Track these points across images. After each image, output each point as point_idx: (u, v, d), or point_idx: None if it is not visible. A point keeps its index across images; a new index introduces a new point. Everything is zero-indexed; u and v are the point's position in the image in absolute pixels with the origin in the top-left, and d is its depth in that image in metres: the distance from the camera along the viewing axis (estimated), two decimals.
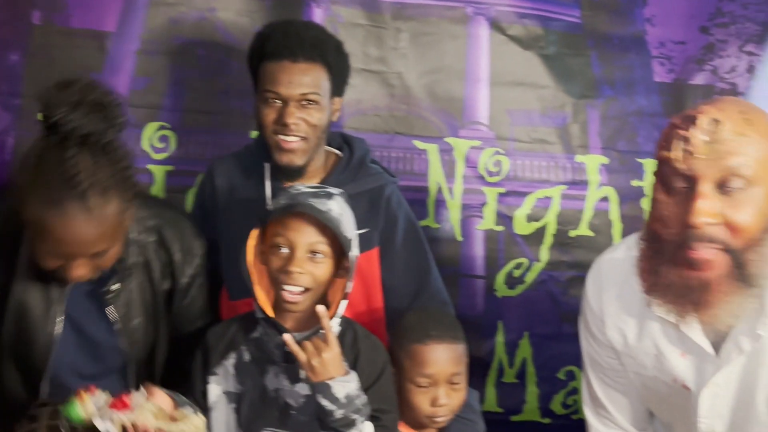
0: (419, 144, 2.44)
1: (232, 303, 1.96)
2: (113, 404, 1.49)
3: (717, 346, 1.53)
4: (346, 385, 1.54)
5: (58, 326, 1.71)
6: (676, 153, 1.39)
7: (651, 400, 1.71)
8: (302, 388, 1.64)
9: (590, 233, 2.50)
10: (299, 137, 1.90)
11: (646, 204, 2.43)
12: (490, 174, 2.47)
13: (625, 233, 2.43)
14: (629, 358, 1.65)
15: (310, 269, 1.59)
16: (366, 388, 1.61)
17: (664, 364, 1.60)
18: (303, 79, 1.88)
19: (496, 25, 2.45)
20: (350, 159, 2.04)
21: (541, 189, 2.49)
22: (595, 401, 1.79)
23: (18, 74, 2.27)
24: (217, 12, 2.34)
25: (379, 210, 2.01)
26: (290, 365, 1.64)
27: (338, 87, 1.99)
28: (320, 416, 1.56)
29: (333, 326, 1.62)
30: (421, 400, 1.81)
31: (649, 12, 2.50)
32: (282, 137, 1.89)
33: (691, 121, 1.39)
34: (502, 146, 2.47)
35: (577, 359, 1.83)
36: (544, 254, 2.51)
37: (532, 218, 2.49)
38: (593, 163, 2.50)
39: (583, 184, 2.50)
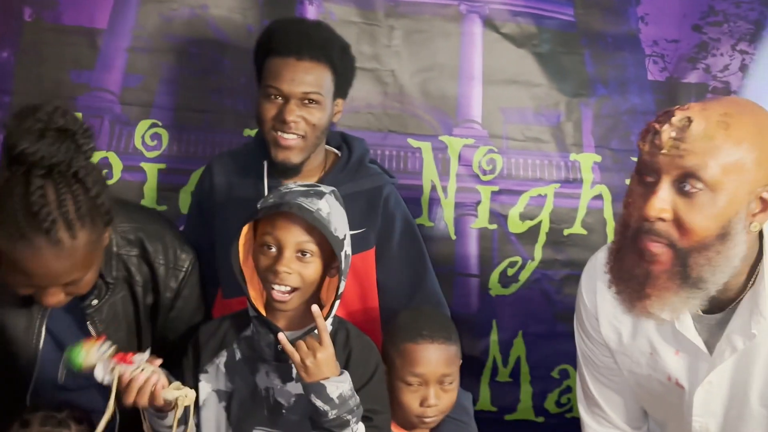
0: (413, 142, 2.44)
1: (225, 301, 1.95)
2: (118, 357, 1.51)
3: (711, 344, 1.53)
4: (339, 385, 1.53)
5: (41, 342, 1.69)
6: (646, 145, 1.41)
7: (645, 398, 1.71)
8: (293, 388, 1.63)
9: (584, 231, 2.51)
10: (297, 135, 1.89)
11: None
12: (484, 172, 2.47)
13: None
14: (624, 356, 1.65)
15: (298, 269, 1.58)
16: (358, 388, 1.60)
17: (658, 362, 1.60)
18: (306, 78, 1.88)
19: (489, 23, 2.45)
20: (349, 159, 2.03)
21: (534, 187, 2.49)
22: (589, 399, 1.79)
23: (9, 72, 2.26)
24: (209, 9, 2.33)
25: (377, 210, 2.01)
26: (281, 364, 1.63)
27: (342, 89, 1.98)
28: (313, 417, 1.55)
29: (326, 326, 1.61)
30: (411, 399, 1.81)
31: (642, 10, 2.50)
32: (280, 134, 1.89)
33: (669, 116, 1.40)
34: (496, 144, 2.47)
35: (571, 358, 1.83)
36: (538, 253, 2.51)
37: (525, 217, 2.49)
38: (587, 161, 2.50)
39: (576, 182, 2.50)
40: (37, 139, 1.40)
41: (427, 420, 1.83)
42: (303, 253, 1.58)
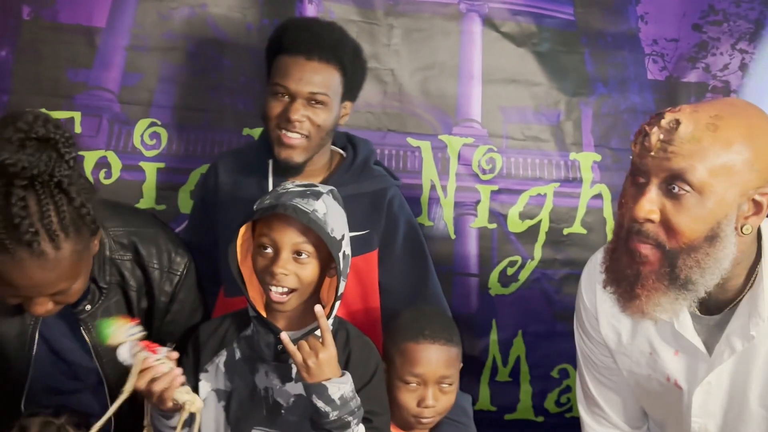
0: (412, 141, 2.44)
1: (228, 300, 1.94)
2: (144, 343, 1.51)
3: (710, 345, 1.53)
4: (341, 386, 1.52)
5: (34, 348, 1.67)
6: (636, 146, 1.42)
7: (644, 398, 1.71)
8: (293, 388, 1.63)
9: (584, 231, 2.50)
10: (301, 135, 1.88)
11: None
12: (484, 171, 2.47)
13: None
14: (623, 356, 1.65)
15: (295, 270, 1.57)
16: (358, 389, 1.59)
17: (657, 362, 1.60)
18: (314, 78, 1.87)
19: (489, 22, 2.45)
20: (354, 160, 2.03)
21: (534, 186, 2.49)
22: (589, 399, 1.79)
23: (7, 70, 2.25)
24: (209, 7, 2.32)
25: (380, 212, 2.00)
26: (281, 364, 1.63)
27: (351, 91, 1.98)
28: (314, 418, 1.54)
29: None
30: (408, 399, 1.80)
31: (642, 10, 2.50)
32: (284, 132, 1.88)
33: (659, 117, 1.41)
34: (496, 144, 2.47)
35: (570, 357, 1.83)
36: (538, 252, 2.51)
37: (525, 216, 2.49)
38: (586, 160, 2.50)
39: (576, 181, 2.50)
40: (17, 149, 1.36)
41: (424, 421, 1.82)
42: (299, 254, 1.58)
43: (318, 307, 1.55)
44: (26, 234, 1.35)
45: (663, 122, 1.39)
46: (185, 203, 2.35)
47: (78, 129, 2.27)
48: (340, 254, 1.59)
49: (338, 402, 1.51)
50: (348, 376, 1.56)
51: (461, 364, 1.88)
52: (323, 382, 1.51)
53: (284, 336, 1.54)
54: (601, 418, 1.78)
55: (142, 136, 2.31)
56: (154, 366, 1.49)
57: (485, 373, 2.54)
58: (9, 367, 1.69)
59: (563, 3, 2.47)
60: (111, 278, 1.68)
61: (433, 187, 2.44)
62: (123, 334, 1.52)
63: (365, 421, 1.60)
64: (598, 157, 2.50)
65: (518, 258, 2.49)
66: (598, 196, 2.50)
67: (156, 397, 1.50)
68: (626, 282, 1.45)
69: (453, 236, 2.47)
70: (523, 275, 2.51)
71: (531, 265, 2.50)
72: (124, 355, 1.51)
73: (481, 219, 2.48)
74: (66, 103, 2.26)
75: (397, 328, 1.85)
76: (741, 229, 1.39)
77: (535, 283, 2.51)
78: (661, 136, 1.38)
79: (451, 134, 2.45)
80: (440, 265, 2.30)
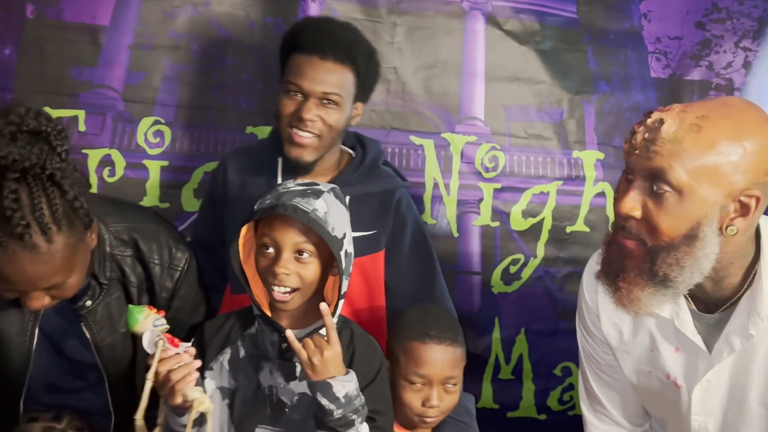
0: (415, 139, 2.44)
1: (234, 296, 1.94)
2: (167, 336, 1.55)
3: (709, 343, 1.54)
4: (346, 384, 1.52)
5: (34, 344, 1.67)
6: (626, 144, 1.44)
7: (645, 396, 1.72)
8: (296, 386, 1.63)
9: (586, 229, 2.51)
10: (313, 134, 1.88)
11: None
12: (486, 170, 2.47)
13: None
14: (624, 353, 1.66)
15: (297, 269, 1.57)
16: (361, 388, 1.59)
17: (658, 359, 1.60)
18: (328, 78, 1.87)
19: (492, 20, 2.45)
20: (363, 160, 2.03)
21: (537, 185, 2.49)
22: (591, 397, 1.79)
23: (10, 69, 2.25)
24: (212, 6, 2.33)
25: (388, 213, 2.00)
26: (285, 362, 1.63)
27: (363, 93, 1.98)
28: (318, 416, 1.54)
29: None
30: (413, 399, 1.80)
31: (645, 7, 2.50)
32: (296, 131, 1.88)
33: (647, 116, 1.42)
34: (498, 142, 2.47)
35: (573, 355, 1.83)
36: (541, 250, 2.51)
37: (528, 214, 2.49)
38: (589, 158, 2.50)
39: (579, 179, 2.50)
40: (8, 142, 1.36)
41: (427, 420, 1.82)
42: (301, 253, 1.57)
43: (323, 305, 1.54)
44: (17, 227, 1.34)
45: (648, 121, 1.40)
46: (189, 201, 2.35)
47: (82, 127, 2.27)
48: (342, 253, 1.58)
49: (343, 400, 1.51)
50: (353, 374, 1.56)
51: (465, 363, 1.87)
52: (328, 380, 1.51)
53: (290, 334, 1.54)
54: (603, 415, 1.78)
55: (145, 134, 2.32)
56: (174, 357, 1.52)
57: (488, 371, 2.54)
58: (9, 364, 1.68)
59: (566, 1, 2.47)
60: (111, 274, 1.68)
61: (435, 185, 2.45)
62: (148, 324, 1.55)
63: (368, 420, 1.59)
64: (601, 155, 2.50)
65: (521, 256, 2.50)
66: (602, 194, 2.50)
67: (168, 388, 1.51)
68: (612, 274, 1.49)
69: (456, 234, 2.47)
70: (526, 273, 2.51)
71: (534, 263, 2.51)
72: (146, 343, 1.54)
73: (483, 217, 2.48)
74: (70, 102, 2.27)
75: (402, 327, 1.85)
76: (725, 229, 1.39)
77: (537, 281, 2.51)
78: (646, 135, 1.39)
79: (454, 132, 2.45)
80: (443, 264, 2.29)
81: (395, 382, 1.80)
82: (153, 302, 1.74)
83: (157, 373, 1.52)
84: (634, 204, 1.41)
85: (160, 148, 2.33)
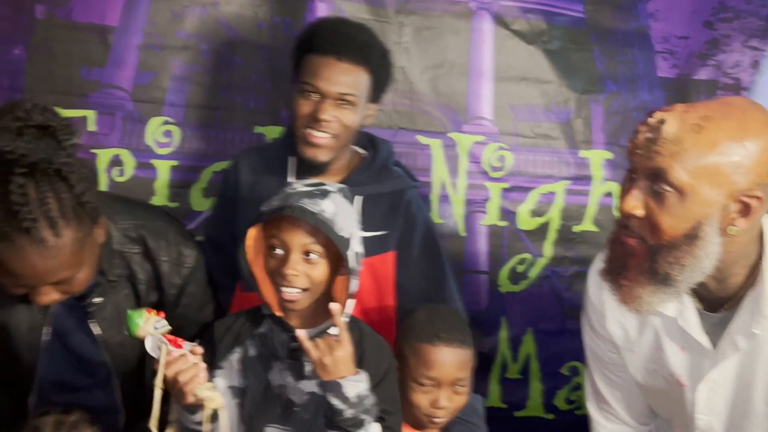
0: (422, 139, 2.44)
1: (245, 294, 1.95)
2: (167, 336, 1.54)
3: (713, 342, 1.54)
4: (357, 384, 1.53)
5: (45, 341, 1.68)
6: (630, 143, 1.45)
7: (650, 395, 1.72)
8: (306, 386, 1.63)
9: (594, 229, 2.51)
10: (329, 134, 1.89)
11: None
12: (494, 169, 2.47)
13: None
14: (630, 352, 1.66)
15: (306, 270, 1.58)
16: (371, 387, 1.59)
17: (663, 358, 1.61)
18: (344, 79, 1.87)
19: (499, 20, 2.45)
20: (374, 160, 2.03)
21: (544, 184, 2.49)
22: (597, 396, 1.79)
23: (20, 69, 2.26)
24: (221, 6, 2.33)
25: (398, 213, 2.00)
26: (295, 362, 1.63)
27: (376, 94, 1.98)
28: (329, 415, 1.55)
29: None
30: (421, 399, 1.80)
31: (652, 7, 2.50)
32: (312, 131, 1.88)
33: (650, 116, 1.43)
34: (506, 141, 2.47)
35: (580, 355, 1.83)
36: (548, 250, 2.51)
37: (535, 214, 2.50)
38: (597, 158, 2.50)
39: (586, 179, 2.50)
40: (15, 137, 1.37)
41: (436, 420, 1.82)
42: (309, 254, 1.58)
43: (333, 305, 1.55)
44: (25, 221, 1.35)
45: (650, 121, 1.41)
46: (197, 201, 2.36)
47: (92, 127, 2.28)
48: (350, 253, 1.59)
49: (354, 400, 1.52)
50: (363, 374, 1.56)
51: (474, 364, 1.87)
52: (339, 380, 1.52)
53: (301, 333, 1.55)
54: (610, 414, 1.79)
55: (154, 134, 2.33)
56: (180, 358, 1.51)
57: (495, 371, 2.55)
58: (19, 361, 1.69)
59: (573, 1, 2.47)
60: (119, 271, 1.68)
61: (443, 185, 2.45)
62: (149, 328, 1.53)
63: (378, 420, 1.60)
64: (608, 155, 2.50)
65: (528, 256, 2.50)
66: (609, 194, 2.50)
67: (178, 389, 1.51)
68: (615, 272, 1.50)
69: (463, 234, 2.47)
70: (533, 273, 2.51)
71: (541, 263, 2.51)
72: (150, 347, 1.53)
73: (491, 216, 2.48)
74: (79, 102, 2.27)
75: (411, 328, 1.85)
76: (727, 229, 1.39)
77: (545, 280, 2.51)
78: (648, 135, 1.40)
79: (462, 132, 2.45)
80: (450, 263, 2.31)
81: (404, 382, 1.80)
82: (161, 299, 1.75)
83: (165, 377, 1.51)
84: (636, 203, 1.42)
85: (169, 148, 2.34)
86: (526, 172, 2.48)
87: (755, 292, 1.47)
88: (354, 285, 1.61)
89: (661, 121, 1.39)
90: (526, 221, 2.49)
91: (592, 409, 1.83)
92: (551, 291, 2.52)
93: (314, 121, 1.87)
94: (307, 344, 1.53)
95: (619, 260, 1.49)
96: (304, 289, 1.59)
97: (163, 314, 1.57)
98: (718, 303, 1.52)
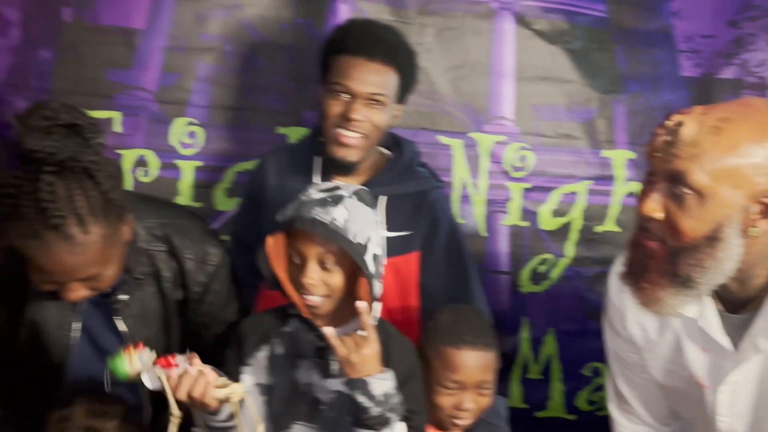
0: (444, 139, 2.44)
1: (270, 293, 1.95)
2: (158, 362, 1.49)
3: (735, 344, 1.53)
4: (383, 383, 1.53)
5: (74, 337, 1.70)
6: (648, 146, 1.44)
7: (672, 396, 1.71)
8: (333, 384, 1.64)
9: (617, 229, 2.50)
10: (360, 134, 1.90)
11: None
12: (515, 169, 2.47)
13: None
14: (650, 353, 1.65)
15: (323, 278, 1.58)
16: (397, 387, 1.59)
17: (683, 359, 1.60)
18: (375, 79, 1.89)
19: (521, 20, 2.44)
20: (398, 160, 2.04)
21: (566, 184, 2.48)
22: (619, 396, 1.79)
23: (47, 71, 2.29)
24: (244, 8, 2.35)
25: (422, 214, 2.01)
26: (322, 360, 1.64)
27: (403, 94, 1.99)
28: (355, 413, 1.55)
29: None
30: (446, 402, 1.80)
31: (676, 6, 2.48)
32: (342, 131, 1.89)
33: (668, 119, 1.42)
34: (527, 141, 2.46)
35: (602, 355, 1.83)
36: (570, 250, 2.50)
37: (557, 214, 2.49)
38: (619, 158, 2.49)
39: (609, 179, 2.49)
40: (43, 136, 1.40)
41: (459, 422, 1.82)
42: (324, 262, 1.58)
43: (360, 304, 1.55)
44: (54, 218, 1.38)
45: (668, 123, 1.40)
46: (221, 201, 2.38)
47: (117, 128, 2.31)
48: (368, 258, 1.58)
49: (381, 398, 1.52)
50: (390, 372, 1.56)
51: (498, 366, 1.86)
52: (365, 378, 1.52)
53: (329, 331, 1.55)
54: (631, 415, 1.78)
55: (178, 134, 2.36)
56: (185, 375, 1.48)
57: (516, 371, 2.54)
58: (49, 358, 1.72)
59: (595, 0, 2.46)
60: (145, 269, 1.70)
61: (464, 185, 2.45)
62: (138, 364, 1.49)
63: (404, 420, 1.60)
64: (631, 155, 2.49)
65: (550, 256, 2.49)
66: (632, 194, 2.49)
67: (198, 405, 1.50)
68: (635, 275, 1.49)
69: (484, 234, 2.47)
70: (555, 273, 2.51)
71: (563, 263, 2.50)
72: (149, 383, 1.49)
73: (512, 217, 2.48)
74: (105, 103, 2.30)
75: (435, 331, 1.84)
76: (748, 231, 1.38)
77: (566, 281, 2.51)
78: (667, 138, 1.39)
79: (483, 132, 2.45)
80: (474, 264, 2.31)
81: (428, 384, 1.80)
82: (186, 297, 1.76)
83: (178, 401, 1.49)
84: (655, 205, 1.41)
85: (194, 149, 2.36)
86: (547, 172, 2.48)
87: None
88: (377, 288, 1.61)
89: (679, 124, 1.38)
90: (547, 221, 2.49)
91: (613, 410, 1.82)
92: (573, 291, 2.52)
93: (345, 120, 1.88)
94: (335, 341, 1.54)
95: (640, 263, 1.48)
96: (325, 296, 1.60)
97: (140, 345, 1.50)
98: (739, 304, 1.51)
